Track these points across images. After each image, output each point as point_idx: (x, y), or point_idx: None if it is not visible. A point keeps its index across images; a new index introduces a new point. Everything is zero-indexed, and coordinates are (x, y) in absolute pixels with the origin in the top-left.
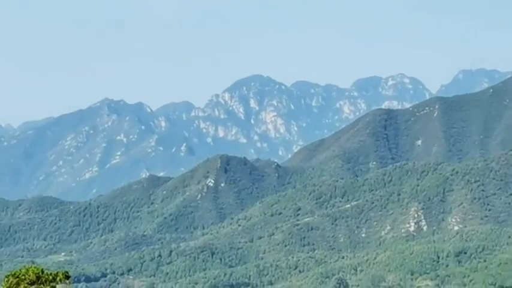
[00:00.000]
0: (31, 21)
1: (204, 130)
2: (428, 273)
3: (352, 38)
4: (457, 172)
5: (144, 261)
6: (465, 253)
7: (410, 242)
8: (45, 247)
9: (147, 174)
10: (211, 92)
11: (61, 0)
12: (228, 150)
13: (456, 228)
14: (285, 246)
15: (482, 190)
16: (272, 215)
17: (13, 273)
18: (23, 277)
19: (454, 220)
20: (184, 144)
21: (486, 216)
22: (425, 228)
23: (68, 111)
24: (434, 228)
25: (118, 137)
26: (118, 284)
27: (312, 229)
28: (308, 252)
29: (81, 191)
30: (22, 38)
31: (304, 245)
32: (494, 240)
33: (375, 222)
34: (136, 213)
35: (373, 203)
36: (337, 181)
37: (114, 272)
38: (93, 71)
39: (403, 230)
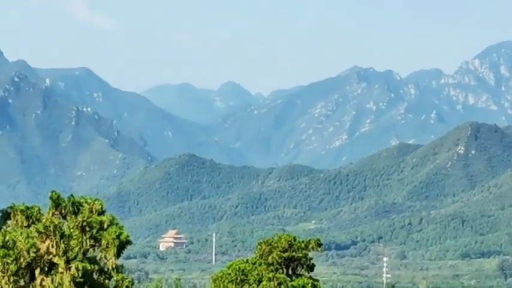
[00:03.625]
0: None
1: (454, 97)
2: None
3: None
4: None
5: (394, 229)
6: None
7: None
8: (296, 215)
9: (397, 141)
10: (461, 59)
11: None
12: (478, 118)
13: None
14: None
15: None
16: None
17: (265, 240)
18: (275, 244)
19: None
20: (434, 112)
21: None
22: None
23: (317, 80)
24: None
25: (367, 105)
26: (368, 251)
27: None
28: None
29: (330, 159)
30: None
31: None
32: None
33: None
34: (386, 181)
35: None
36: None
37: (364, 240)
38: (342, 38)
39: None
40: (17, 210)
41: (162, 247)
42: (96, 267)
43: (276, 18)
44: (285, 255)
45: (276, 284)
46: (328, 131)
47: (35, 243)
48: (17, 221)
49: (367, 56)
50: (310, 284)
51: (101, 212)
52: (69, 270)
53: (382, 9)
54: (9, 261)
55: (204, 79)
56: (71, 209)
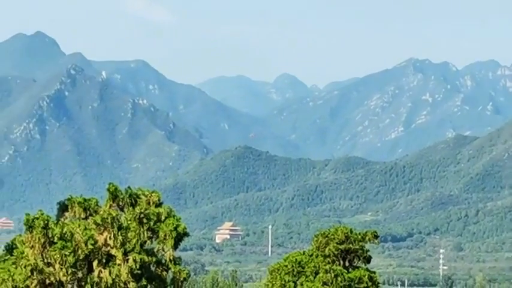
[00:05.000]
0: None
1: (510, 89)
2: None
3: None
4: None
5: (451, 221)
6: None
7: None
8: (352, 207)
9: (453, 133)
10: None
11: None
12: None
13: None
14: None
15: None
16: None
17: (322, 232)
18: (332, 236)
19: None
20: (491, 103)
21: None
22: None
23: (373, 71)
24: None
25: (423, 97)
26: (424, 243)
27: None
28: None
29: (386, 150)
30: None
31: None
32: None
33: None
34: (442, 172)
35: None
36: None
37: (420, 232)
38: (398, 30)
39: None
40: (74, 202)
41: (218, 239)
42: (154, 259)
43: (331, 10)
44: (342, 247)
45: (332, 275)
46: (384, 123)
47: (92, 235)
48: (74, 213)
49: (423, 48)
50: (366, 276)
51: (158, 204)
52: (127, 262)
53: (438, 0)
54: (67, 253)
55: (259, 71)
56: (128, 201)
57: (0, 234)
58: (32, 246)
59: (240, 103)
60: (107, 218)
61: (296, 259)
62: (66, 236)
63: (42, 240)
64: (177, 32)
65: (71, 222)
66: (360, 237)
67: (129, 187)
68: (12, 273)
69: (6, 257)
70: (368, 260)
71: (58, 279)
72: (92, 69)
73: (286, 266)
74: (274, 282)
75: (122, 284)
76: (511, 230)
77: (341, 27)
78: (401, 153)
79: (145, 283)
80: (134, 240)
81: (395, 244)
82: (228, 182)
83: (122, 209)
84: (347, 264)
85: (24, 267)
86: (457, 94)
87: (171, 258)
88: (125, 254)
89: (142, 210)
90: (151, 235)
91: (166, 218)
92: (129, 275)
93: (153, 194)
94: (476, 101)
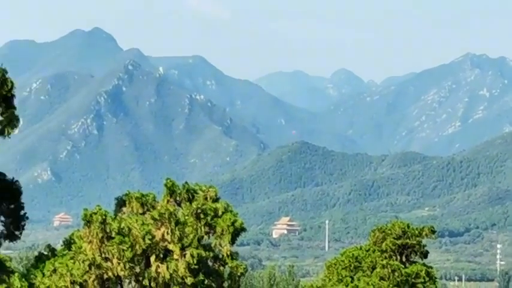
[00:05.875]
0: None
1: None
2: None
3: None
4: None
5: (508, 216)
6: None
7: None
8: (408, 202)
9: (511, 128)
10: None
11: None
12: None
13: None
14: None
15: None
16: None
17: (379, 227)
18: (389, 231)
19: None
20: None
21: None
22: None
23: (430, 66)
24: None
25: (480, 92)
26: (482, 238)
27: None
28: None
29: (443, 145)
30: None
31: None
32: None
33: None
34: (499, 167)
35: None
36: None
37: (477, 227)
38: (455, 25)
39: None
40: (132, 197)
41: (275, 234)
42: (211, 254)
43: (388, 5)
44: (399, 242)
45: (389, 271)
46: (441, 118)
47: (150, 230)
48: (132, 208)
49: (481, 43)
50: (424, 271)
51: (216, 199)
52: (184, 257)
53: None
54: (125, 248)
55: (316, 66)
56: (185, 196)
57: (59, 229)
58: (90, 241)
59: (297, 98)
60: (165, 213)
61: (353, 254)
62: (123, 231)
63: (100, 235)
64: (235, 27)
65: (129, 217)
66: (417, 232)
67: (186, 182)
68: (70, 268)
69: (65, 252)
70: (425, 255)
71: (116, 274)
72: (149, 65)
73: (343, 261)
74: (331, 277)
75: (179, 279)
76: None
77: (398, 22)
78: (458, 148)
79: (202, 278)
80: (191, 236)
81: (452, 239)
82: (285, 177)
83: (179, 204)
84: (404, 259)
85: (82, 262)
86: None
87: (228, 253)
88: (182, 249)
89: (199, 206)
90: (208, 230)
91: (223, 213)
92: (187, 270)
93: (210, 189)
94: None
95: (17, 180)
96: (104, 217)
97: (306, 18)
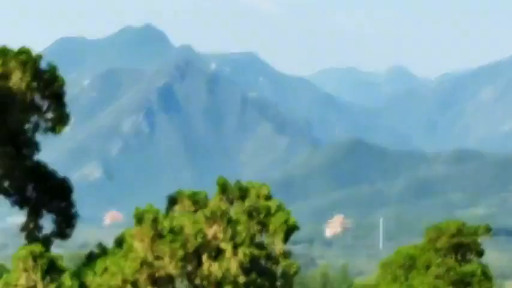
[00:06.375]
0: None
1: None
2: None
3: None
4: None
5: None
6: None
7: None
8: (464, 200)
9: None
10: None
11: None
12: None
13: None
14: None
15: None
16: None
17: (434, 226)
18: (444, 230)
19: None
20: None
21: None
22: None
23: (487, 62)
24: None
25: None
26: None
27: None
28: None
29: (499, 143)
30: None
31: None
32: None
33: None
34: None
35: None
36: None
37: None
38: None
39: None
40: (183, 195)
41: (328, 233)
42: (264, 253)
43: (445, 1)
44: (454, 240)
45: (445, 269)
46: (496, 115)
47: (202, 228)
48: (184, 206)
49: None
50: (479, 270)
51: (268, 197)
52: (237, 255)
53: None
54: (176, 246)
55: (369, 62)
56: (237, 194)
57: (110, 228)
58: (142, 239)
59: (350, 95)
60: (216, 212)
61: (408, 253)
62: (175, 229)
63: (152, 233)
64: (287, 23)
65: (180, 215)
66: (472, 230)
67: (238, 180)
68: (122, 267)
69: (116, 251)
70: (481, 253)
71: (168, 272)
72: (201, 62)
73: (398, 259)
74: (385, 276)
75: (231, 278)
76: None
77: (454, 18)
78: None
79: (255, 277)
80: (244, 234)
81: (509, 238)
82: (338, 175)
83: (231, 203)
84: (459, 258)
85: (134, 260)
86: None
87: (281, 252)
88: (235, 247)
89: (251, 204)
90: (261, 229)
91: (276, 211)
92: (239, 269)
93: (262, 187)
94: None
95: (67, 178)
96: (155, 215)
97: (358, 13)
